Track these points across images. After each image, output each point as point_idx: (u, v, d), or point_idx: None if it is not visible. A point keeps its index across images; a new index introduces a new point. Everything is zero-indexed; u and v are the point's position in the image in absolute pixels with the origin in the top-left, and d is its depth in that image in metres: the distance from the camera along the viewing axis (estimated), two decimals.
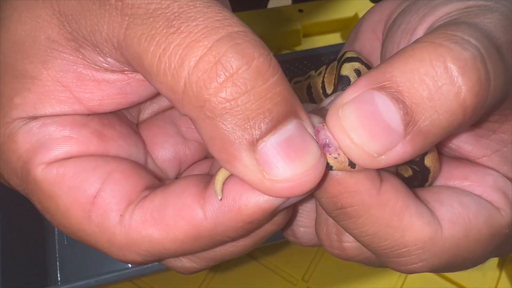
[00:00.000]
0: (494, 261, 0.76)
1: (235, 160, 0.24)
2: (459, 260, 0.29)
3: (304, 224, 0.34)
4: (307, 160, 0.24)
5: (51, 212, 0.28)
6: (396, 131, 0.24)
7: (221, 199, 0.26)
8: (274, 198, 0.26)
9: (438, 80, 0.23)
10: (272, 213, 0.27)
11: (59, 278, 0.70)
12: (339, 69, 0.37)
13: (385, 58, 0.33)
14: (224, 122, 0.23)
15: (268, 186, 0.24)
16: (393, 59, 0.25)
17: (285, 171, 0.24)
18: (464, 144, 0.32)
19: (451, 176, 0.32)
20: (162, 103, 0.36)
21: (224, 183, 0.26)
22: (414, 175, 0.31)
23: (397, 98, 0.24)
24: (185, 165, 0.36)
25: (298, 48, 0.87)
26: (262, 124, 0.23)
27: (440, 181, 0.32)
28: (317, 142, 0.25)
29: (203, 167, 0.36)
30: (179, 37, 0.23)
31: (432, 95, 0.23)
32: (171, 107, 0.36)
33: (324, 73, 0.41)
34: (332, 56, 0.74)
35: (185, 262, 0.31)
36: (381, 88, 0.24)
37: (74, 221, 0.28)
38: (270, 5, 1.03)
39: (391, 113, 0.24)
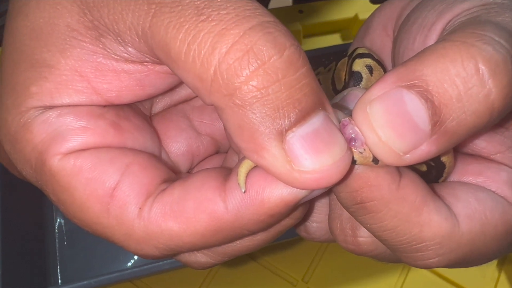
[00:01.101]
0: (494, 261, 0.77)
1: (263, 150, 0.24)
2: (475, 255, 0.29)
3: (317, 219, 0.34)
4: (335, 152, 0.24)
5: (67, 205, 0.28)
6: (423, 131, 0.24)
7: (245, 191, 0.26)
8: (297, 190, 0.25)
9: (469, 81, 0.23)
10: (295, 206, 0.26)
11: (59, 279, 0.70)
12: (350, 65, 0.37)
13: (399, 53, 0.33)
14: (254, 111, 0.23)
15: (296, 177, 0.24)
16: (423, 56, 0.24)
17: (314, 163, 0.24)
18: (479, 140, 0.32)
19: (466, 172, 0.32)
20: (174, 96, 0.36)
21: (246, 176, 0.26)
22: (429, 170, 0.31)
23: (426, 98, 0.24)
24: (197, 159, 0.36)
25: None
26: (291, 114, 0.23)
27: (454, 177, 0.32)
28: (343, 135, 0.25)
29: (215, 161, 0.36)
30: (209, 25, 0.23)
31: (461, 96, 0.23)
32: (183, 101, 0.36)
33: (334, 69, 0.41)
34: (332, 57, 0.74)
35: (200, 257, 0.31)
36: (411, 87, 0.24)
37: (91, 214, 0.27)
38: (271, 5, 1.03)
39: (419, 113, 0.24)
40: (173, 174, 0.30)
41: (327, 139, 0.24)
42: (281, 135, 0.23)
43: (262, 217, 0.26)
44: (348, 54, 0.39)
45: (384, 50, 0.39)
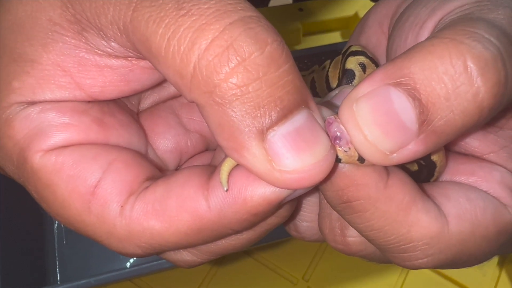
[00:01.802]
0: (494, 260, 0.76)
1: (243, 149, 0.23)
2: (465, 257, 0.29)
3: (307, 218, 0.34)
4: (317, 152, 0.24)
5: (49, 202, 0.27)
6: (410, 130, 0.24)
7: (227, 190, 0.25)
8: (280, 189, 0.25)
9: (457, 79, 0.23)
10: (278, 205, 0.26)
11: (58, 278, 0.70)
12: (343, 62, 0.36)
13: (392, 51, 0.33)
14: (234, 109, 0.22)
15: (277, 176, 0.23)
16: (411, 53, 0.24)
17: (295, 162, 0.23)
18: (471, 139, 0.31)
19: (458, 172, 0.31)
20: (163, 92, 0.35)
21: (229, 174, 0.25)
22: (420, 170, 0.31)
23: (414, 96, 0.23)
24: (185, 157, 0.35)
25: (298, 47, 0.87)
26: (272, 113, 0.23)
27: (446, 176, 0.32)
28: (327, 134, 0.24)
29: (204, 159, 0.36)
30: (189, 20, 0.22)
31: (449, 94, 0.23)
32: (172, 97, 0.36)
33: (329, 67, 0.41)
34: (332, 55, 0.74)
35: (186, 256, 0.31)
36: (398, 84, 0.23)
37: (73, 211, 0.27)
38: (271, 4, 1.03)
39: (406, 111, 0.23)
40: (158, 172, 0.30)
41: (310, 138, 0.24)
42: (262, 133, 0.23)
43: (245, 216, 0.26)
44: (342, 52, 0.39)
45: (380, 47, 0.39)
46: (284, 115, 0.23)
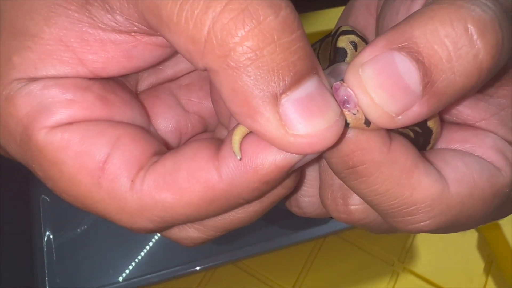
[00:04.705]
0: (481, 266, 0.77)
1: (257, 114, 0.23)
2: (463, 219, 0.30)
3: (308, 193, 0.34)
4: (329, 116, 0.24)
5: (55, 179, 0.27)
6: (414, 92, 0.24)
7: (240, 158, 0.25)
8: (291, 155, 0.25)
9: (458, 42, 0.24)
10: (288, 172, 0.26)
11: None
12: (334, 42, 0.37)
13: (383, 26, 0.34)
14: (248, 74, 0.22)
15: (290, 141, 0.24)
16: (412, 19, 0.25)
17: (308, 127, 0.24)
18: (463, 108, 0.32)
19: (452, 140, 0.32)
20: (160, 75, 0.35)
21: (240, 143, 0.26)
22: (416, 138, 0.31)
23: (417, 59, 0.24)
24: (185, 137, 0.35)
25: None
26: (286, 78, 0.23)
27: (441, 145, 0.33)
28: (335, 99, 0.25)
29: None
30: None
31: (451, 56, 0.24)
32: (169, 80, 0.36)
33: (319, 50, 0.41)
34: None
35: (191, 232, 0.31)
36: (401, 49, 0.24)
37: (82, 188, 0.27)
38: None
39: (410, 74, 0.24)
40: (164, 148, 0.30)
41: (321, 103, 0.24)
42: (276, 98, 0.23)
43: (257, 184, 0.26)
44: (331, 34, 0.39)
45: (368, 29, 0.39)
46: (297, 81, 0.23)
